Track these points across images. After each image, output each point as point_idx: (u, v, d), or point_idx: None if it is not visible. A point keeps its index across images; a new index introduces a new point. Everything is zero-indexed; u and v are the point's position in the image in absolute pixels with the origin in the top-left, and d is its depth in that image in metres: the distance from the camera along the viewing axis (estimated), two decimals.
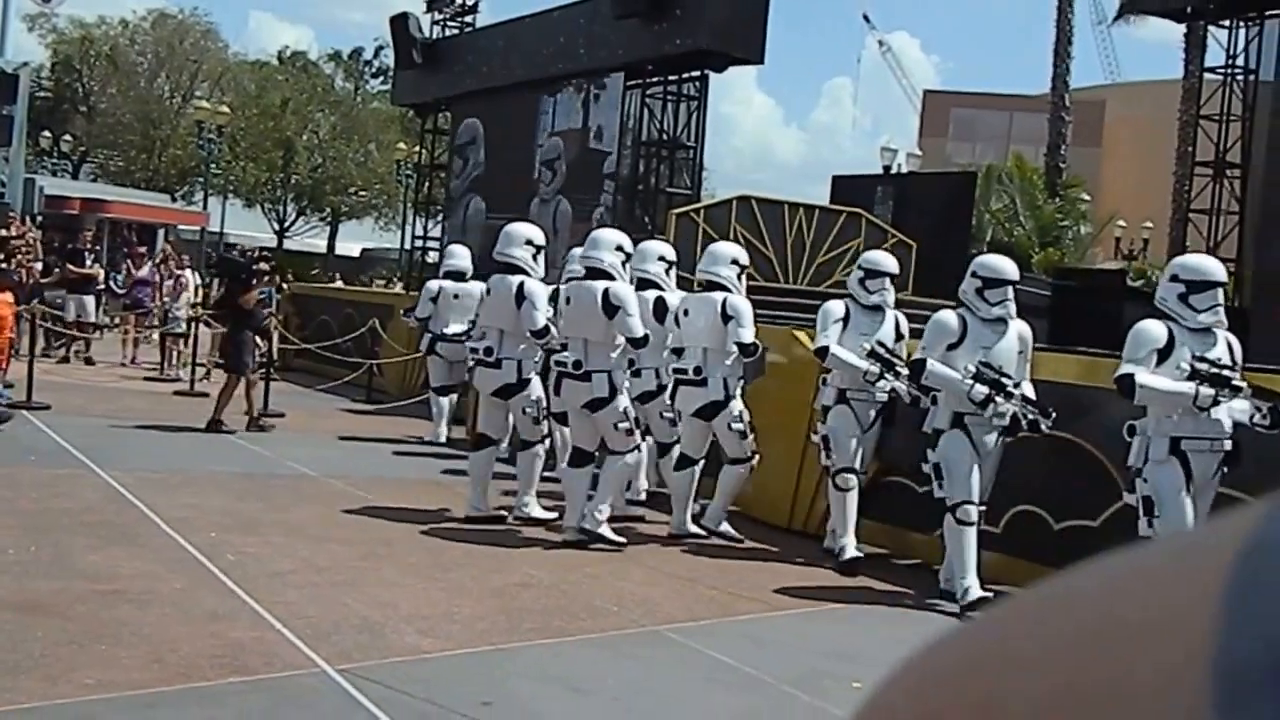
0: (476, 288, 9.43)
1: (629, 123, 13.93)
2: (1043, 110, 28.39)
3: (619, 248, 6.35)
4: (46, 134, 32.03)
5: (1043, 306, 11.20)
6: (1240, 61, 12.15)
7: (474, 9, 17.76)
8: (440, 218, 18.35)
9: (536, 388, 6.57)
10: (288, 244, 37.11)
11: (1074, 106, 27.76)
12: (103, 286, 15.49)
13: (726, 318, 6.42)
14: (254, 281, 9.90)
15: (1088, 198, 26.74)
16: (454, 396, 9.95)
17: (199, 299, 14.10)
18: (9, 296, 10.54)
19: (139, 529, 5.67)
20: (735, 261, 6.69)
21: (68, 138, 34.40)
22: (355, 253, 38.74)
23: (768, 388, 7.13)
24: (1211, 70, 12.85)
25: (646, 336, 6.19)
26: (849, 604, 5.52)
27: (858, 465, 6.24)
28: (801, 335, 7.24)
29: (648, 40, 12.84)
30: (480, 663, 4.14)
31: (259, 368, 9.93)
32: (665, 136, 13.74)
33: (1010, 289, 5.68)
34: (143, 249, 16.64)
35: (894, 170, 21.19)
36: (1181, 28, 19.00)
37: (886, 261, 6.61)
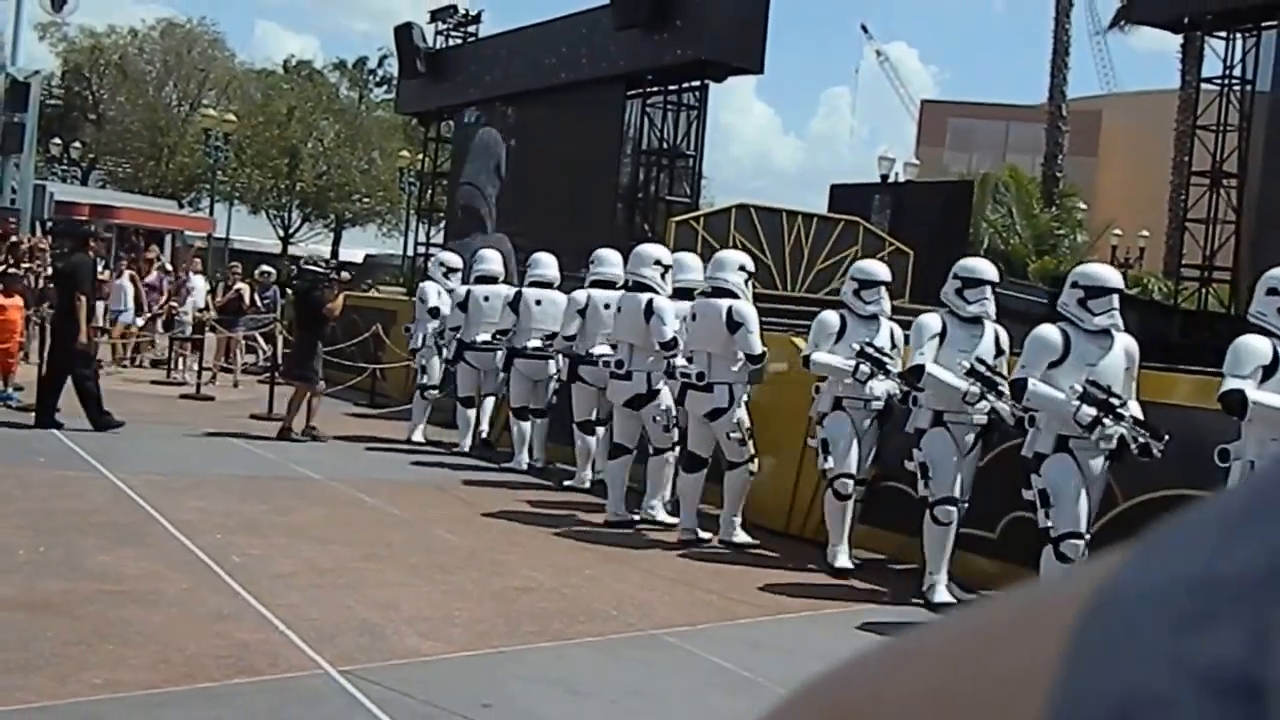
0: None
1: (629, 131, 13.99)
2: (1039, 120, 28.49)
3: (742, 267, 6.73)
4: (57, 141, 32.19)
5: (1038, 314, 11.24)
6: (1237, 72, 12.23)
7: (477, 19, 17.89)
8: (443, 224, 18.43)
9: (666, 397, 6.96)
10: (292, 250, 37.22)
11: (1070, 116, 27.83)
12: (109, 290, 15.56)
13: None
14: (334, 290, 9.78)
15: (1084, 206, 26.82)
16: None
17: (206, 304, 14.18)
18: (19, 301, 10.66)
19: (146, 530, 5.74)
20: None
21: (77, 145, 34.55)
22: (359, 258, 38.87)
23: (766, 393, 7.20)
24: (1208, 81, 12.91)
25: (764, 353, 6.55)
26: (847, 608, 5.56)
27: (957, 493, 5.63)
28: (799, 341, 7.30)
29: (648, 50, 12.92)
30: (480, 665, 4.20)
31: (263, 370, 9.96)
32: (665, 145, 13.82)
33: (1115, 297, 5.24)
34: (150, 255, 16.73)
35: (891, 179, 21.29)
36: (1178, 38, 19.08)
37: (986, 269, 5.98)
